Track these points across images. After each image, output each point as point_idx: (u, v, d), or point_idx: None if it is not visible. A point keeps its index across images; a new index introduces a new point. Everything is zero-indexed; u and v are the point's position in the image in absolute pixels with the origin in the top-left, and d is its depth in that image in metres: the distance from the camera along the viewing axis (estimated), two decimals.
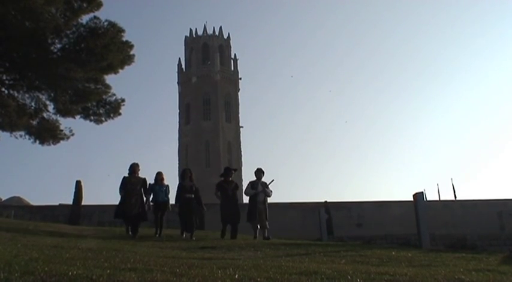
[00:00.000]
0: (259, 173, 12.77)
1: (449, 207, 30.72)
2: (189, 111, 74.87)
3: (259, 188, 12.49)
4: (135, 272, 3.66)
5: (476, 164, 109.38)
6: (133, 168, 12.07)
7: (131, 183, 11.81)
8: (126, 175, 12.06)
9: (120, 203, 11.78)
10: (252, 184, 12.65)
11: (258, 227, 12.24)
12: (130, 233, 11.90)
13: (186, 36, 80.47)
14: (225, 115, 75.13)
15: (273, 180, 12.74)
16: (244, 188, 13.21)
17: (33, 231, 10.47)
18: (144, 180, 12.18)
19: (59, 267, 3.68)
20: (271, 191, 12.68)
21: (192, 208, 11.81)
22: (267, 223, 12.37)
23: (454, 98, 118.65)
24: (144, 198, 12.02)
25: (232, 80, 77.79)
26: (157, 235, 11.88)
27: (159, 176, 12.54)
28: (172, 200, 12.49)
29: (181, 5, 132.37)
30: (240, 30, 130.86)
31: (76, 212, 24.33)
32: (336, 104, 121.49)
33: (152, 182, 12.47)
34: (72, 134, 20.48)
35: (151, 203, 12.14)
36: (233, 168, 13.32)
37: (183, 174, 12.50)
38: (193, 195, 11.88)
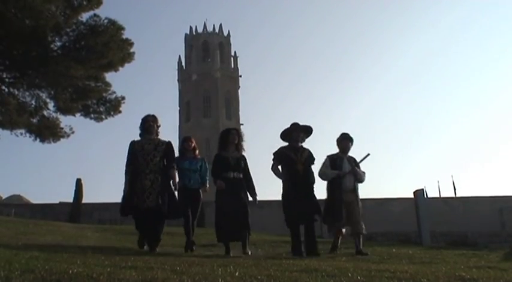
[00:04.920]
0: (345, 141, 7.69)
1: (450, 204, 30.75)
2: (189, 109, 74.83)
3: (345, 167, 7.49)
4: (135, 270, 3.65)
5: (477, 160, 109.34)
6: (148, 124, 6.97)
7: (144, 151, 6.86)
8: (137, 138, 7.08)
9: (126, 189, 6.81)
10: (332, 160, 7.55)
11: (343, 231, 7.58)
12: (145, 246, 6.99)
13: (186, 34, 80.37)
14: (225, 112, 75.06)
15: (368, 155, 7.68)
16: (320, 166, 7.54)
17: (34, 230, 10.49)
18: (169, 145, 7.06)
19: (59, 265, 3.68)
20: (365, 173, 7.69)
21: (242, 196, 6.88)
22: (362, 226, 7.40)
23: (454, 94, 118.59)
24: (172, 180, 6.92)
25: (233, 78, 77.72)
26: (188, 250, 7.20)
27: (186, 144, 7.60)
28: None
29: (181, 2, 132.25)
30: (240, 28, 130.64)
31: (76, 210, 24.41)
32: (335, 102, 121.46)
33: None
34: (73, 132, 20.59)
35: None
36: (301, 125, 7.32)
37: (225, 137, 7.23)
38: (241, 175, 6.97)
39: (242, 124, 76.95)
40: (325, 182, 7.54)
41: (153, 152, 6.89)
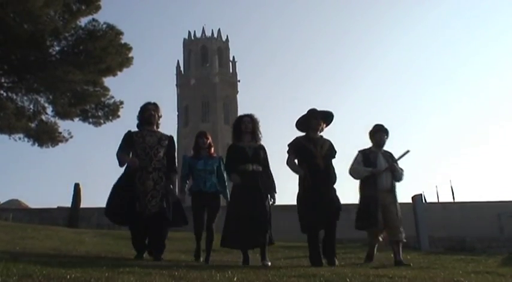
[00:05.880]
0: (379, 134, 6.71)
1: (448, 209, 30.67)
2: (187, 113, 74.87)
3: (379, 163, 6.50)
4: (133, 275, 3.65)
5: (476, 165, 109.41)
6: (148, 113, 5.99)
7: (146, 144, 5.85)
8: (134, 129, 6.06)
9: (116, 190, 5.79)
10: (364, 155, 6.59)
11: (381, 239, 6.60)
12: (144, 254, 5.94)
13: (184, 39, 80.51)
14: (224, 117, 75.06)
15: (408, 152, 6.61)
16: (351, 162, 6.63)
17: (32, 234, 10.47)
18: (171, 140, 6.10)
19: (57, 270, 3.67)
20: (403, 170, 6.62)
21: (263, 197, 5.82)
22: (402, 232, 6.33)
23: (453, 98, 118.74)
24: (176, 182, 6.11)
25: (231, 83, 77.81)
26: (201, 260, 6.36)
27: (201, 140, 6.55)
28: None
29: (180, 7, 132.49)
30: (239, 33, 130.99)
31: (75, 215, 24.27)
32: (333, 107, 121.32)
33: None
34: (71, 137, 20.57)
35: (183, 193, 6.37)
36: (319, 110, 6.26)
37: (237, 127, 6.17)
38: (261, 168, 5.95)
39: None
40: (357, 181, 6.60)
41: (157, 145, 5.88)
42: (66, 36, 17.93)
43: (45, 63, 17.53)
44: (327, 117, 6.28)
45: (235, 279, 3.70)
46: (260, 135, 6.15)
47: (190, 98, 74.85)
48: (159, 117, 6.09)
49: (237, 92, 78.55)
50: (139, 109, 6.07)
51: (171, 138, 6.13)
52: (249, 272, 4.29)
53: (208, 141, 6.55)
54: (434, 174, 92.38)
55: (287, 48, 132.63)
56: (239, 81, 79.17)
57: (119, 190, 5.77)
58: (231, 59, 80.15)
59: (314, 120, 6.16)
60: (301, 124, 6.28)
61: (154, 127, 6.04)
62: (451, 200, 35.80)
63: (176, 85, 77.85)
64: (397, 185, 6.60)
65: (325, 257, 5.87)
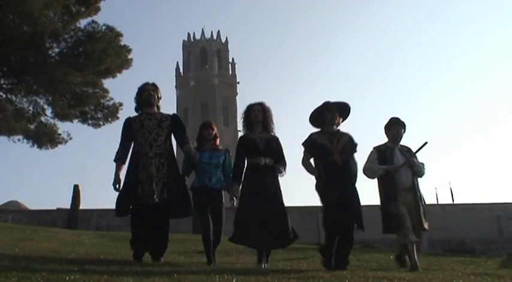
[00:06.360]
0: (395, 127, 6.08)
1: (448, 211, 30.73)
2: (186, 115, 74.82)
3: (397, 160, 5.90)
4: (132, 277, 3.65)
5: (475, 167, 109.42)
6: (147, 93, 5.63)
7: (145, 129, 5.48)
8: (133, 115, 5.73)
9: (125, 182, 5.40)
10: (380, 152, 5.98)
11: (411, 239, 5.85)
12: (143, 257, 5.51)
13: (184, 40, 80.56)
14: (223, 119, 75.13)
15: (426, 144, 6.02)
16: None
17: (31, 236, 10.46)
18: (175, 118, 5.77)
19: (56, 272, 3.68)
20: (423, 164, 6.02)
21: (274, 192, 5.43)
22: (417, 234, 5.98)
23: (451, 100, 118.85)
24: (190, 155, 5.63)
25: (230, 84, 77.86)
26: (211, 263, 5.46)
27: (205, 131, 5.94)
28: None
29: (179, 9, 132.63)
30: (238, 35, 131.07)
31: (74, 216, 24.30)
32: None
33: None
34: (70, 138, 20.58)
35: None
36: (333, 102, 5.68)
37: (246, 117, 5.88)
38: (273, 161, 5.51)
39: (240, 130, 76.94)
40: (377, 180, 5.96)
41: (157, 129, 5.47)
42: (66, 37, 17.96)
43: (45, 64, 17.53)
44: (343, 110, 5.72)
45: (234, 281, 3.70)
46: (273, 126, 5.70)
47: (190, 99, 74.90)
48: (159, 98, 5.75)
49: (237, 93, 78.57)
50: (136, 90, 5.70)
51: (174, 116, 5.75)
52: (248, 274, 4.28)
53: (214, 132, 5.96)
54: (433, 176, 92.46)
55: (287, 50, 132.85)
56: (238, 82, 79.23)
57: (124, 187, 5.40)
58: (230, 60, 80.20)
59: (329, 113, 5.61)
60: (314, 119, 5.75)
61: (154, 109, 5.66)
62: (451, 202, 35.84)
63: (175, 87, 77.90)
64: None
65: (334, 264, 5.32)
